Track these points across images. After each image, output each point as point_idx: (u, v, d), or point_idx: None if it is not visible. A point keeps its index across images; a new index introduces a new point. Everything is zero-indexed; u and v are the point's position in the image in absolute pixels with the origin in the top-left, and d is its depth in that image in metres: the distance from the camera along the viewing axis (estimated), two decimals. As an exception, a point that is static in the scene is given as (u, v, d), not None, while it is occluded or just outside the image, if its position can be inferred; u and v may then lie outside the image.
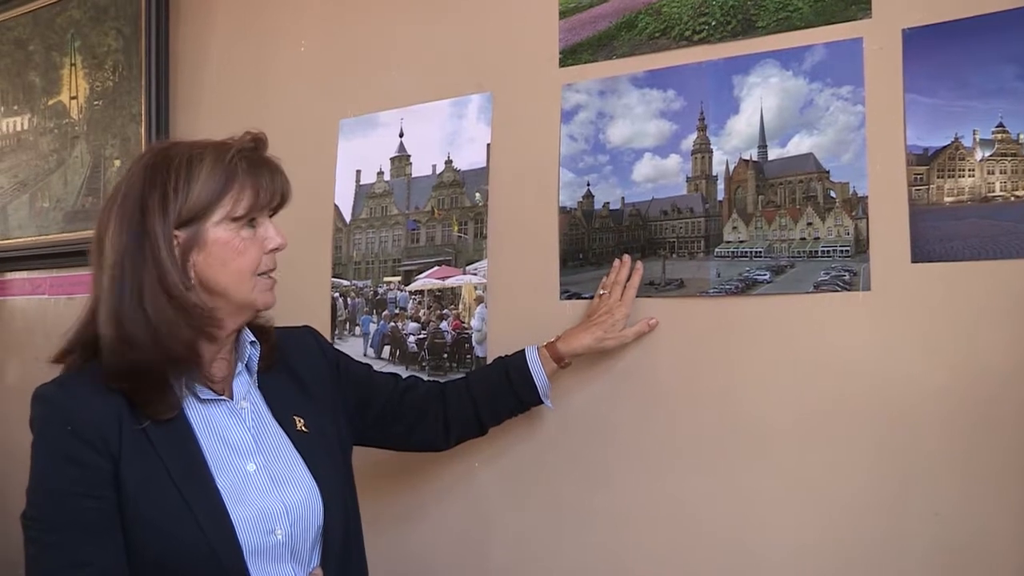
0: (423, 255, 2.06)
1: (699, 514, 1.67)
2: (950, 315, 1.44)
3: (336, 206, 2.21)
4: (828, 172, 1.57)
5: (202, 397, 1.37)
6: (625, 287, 1.71)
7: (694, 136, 1.70)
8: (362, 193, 2.17)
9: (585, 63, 1.83)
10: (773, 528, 1.59)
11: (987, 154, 1.43)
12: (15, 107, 3.11)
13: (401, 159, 2.11)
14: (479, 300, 1.95)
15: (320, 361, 1.59)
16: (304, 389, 1.53)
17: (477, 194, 1.97)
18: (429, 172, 2.06)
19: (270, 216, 1.41)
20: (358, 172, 2.18)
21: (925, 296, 1.46)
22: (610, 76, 1.80)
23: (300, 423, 1.47)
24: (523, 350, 1.70)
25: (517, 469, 1.89)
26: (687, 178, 1.71)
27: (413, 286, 2.07)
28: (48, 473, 1.28)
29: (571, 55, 1.85)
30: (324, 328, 2.15)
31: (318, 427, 1.49)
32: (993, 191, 1.43)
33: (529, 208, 1.89)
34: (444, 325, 2.00)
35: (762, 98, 1.64)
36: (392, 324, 2.09)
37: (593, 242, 1.81)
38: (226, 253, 1.34)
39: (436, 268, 2.04)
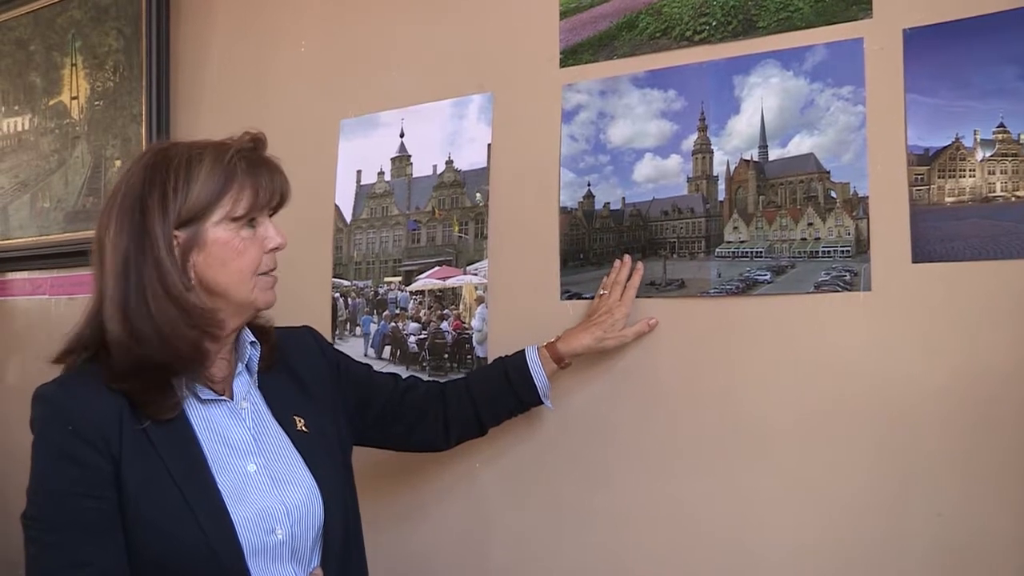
0: (424, 255, 2.06)
1: (699, 514, 1.67)
2: (951, 315, 1.44)
3: (337, 206, 2.21)
4: (829, 172, 1.57)
5: (202, 397, 1.37)
6: (625, 287, 1.71)
7: (695, 136, 1.70)
8: (363, 193, 2.17)
9: (586, 63, 1.83)
10: (773, 528, 1.59)
11: (988, 154, 1.43)
12: (16, 107, 3.11)
13: (402, 159, 2.11)
14: (480, 300, 1.95)
15: (320, 361, 1.59)
16: (304, 389, 1.53)
17: (478, 194, 1.97)
18: (430, 172, 2.06)
19: (270, 216, 1.41)
20: (359, 172, 2.18)
21: (926, 296, 1.46)
22: (611, 76, 1.80)
23: (300, 423, 1.47)
24: (523, 350, 1.70)
25: (517, 469, 1.89)
26: (688, 178, 1.71)
27: (414, 286, 2.07)
28: (48, 473, 1.28)
29: (572, 55, 1.85)
30: (325, 328, 2.15)
31: (318, 427, 1.49)
32: (994, 191, 1.43)
33: (530, 208, 1.89)
34: (445, 325, 2.00)
35: (763, 98, 1.63)
36: (393, 324, 2.09)
37: (594, 242, 1.81)
38: (226, 253, 1.34)
39: (437, 268, 2.03)
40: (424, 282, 2.05)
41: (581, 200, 1.83)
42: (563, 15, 1.86)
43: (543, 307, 1.85)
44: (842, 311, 1.54)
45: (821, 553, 1.55)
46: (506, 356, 1.73)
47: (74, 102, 2.91)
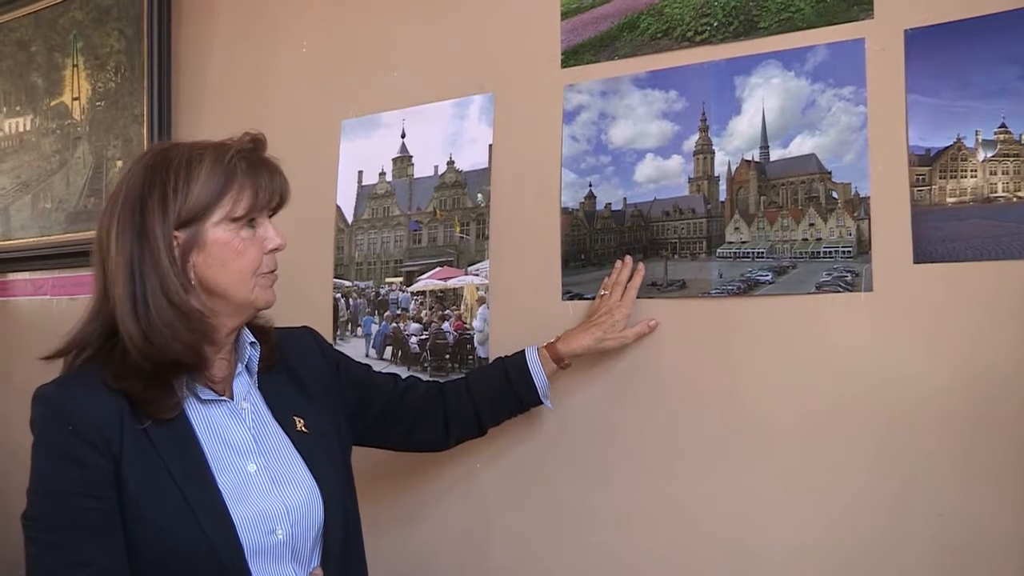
0: (425, 256, 2.06)
1: (700, 514, 1.67)
2: (952, 316, 1.44)
3: (338, 207, 2.21)
4: (830, 173, 1.57)
5: (203, 397, 1.37)
6: (626, 288, 1.71)
7: (696, 137, 1.70)
8: (364, 194, 2.17)
9: (587, 64, 1.83)
10: (774, 528, 1.59)
11: (989, 155, 1.43)
12: (17, 108, 3.11)
13: (403, 160, 2.11)
14: (481, 301, 1.95)
15: (320, 361, 1.60)
16: (304, 389, 1.53)
17: (479, 195, 1.97)
18: (431, 173, 2.06)
19: (270, 216, 1.41)
20: (360, 173, 2.18)
21: (927, 297, 1.46)
22: (612, 77, 1.80)
23: (300, 423, 1.47)
24: (523, 350, 1.70)
25: (517, 470, 1.89)
26: (689, 179, 1.71)
27: (415, 287, 2.07)
28: (48, 473, 1.28)
29: (573, 56, 1.85)
30: (326, 329, 2.15)
31: (318, 427, 1.49)
32: (995, 192, 1.43)
33: (531, 209, 1.89)
34: (446, 326, 2.00)
35: (764, 99, 1.63)
36: (394, 325, 2.09)
37: (595, 243, 1.81)
38: (226, 254, 1.34)
39: (438, 269, 2.03)
40: (425, 283, 2.05)
41: (582, 201, 1.83)
42: (564, 15, 1.86)
43: (544, 308, 1.85)
44: (843, 311, 1.53)
45: (822, 553, 1.55)
46: (506, 356, 1.73)
47: (75, 103, 2.91)
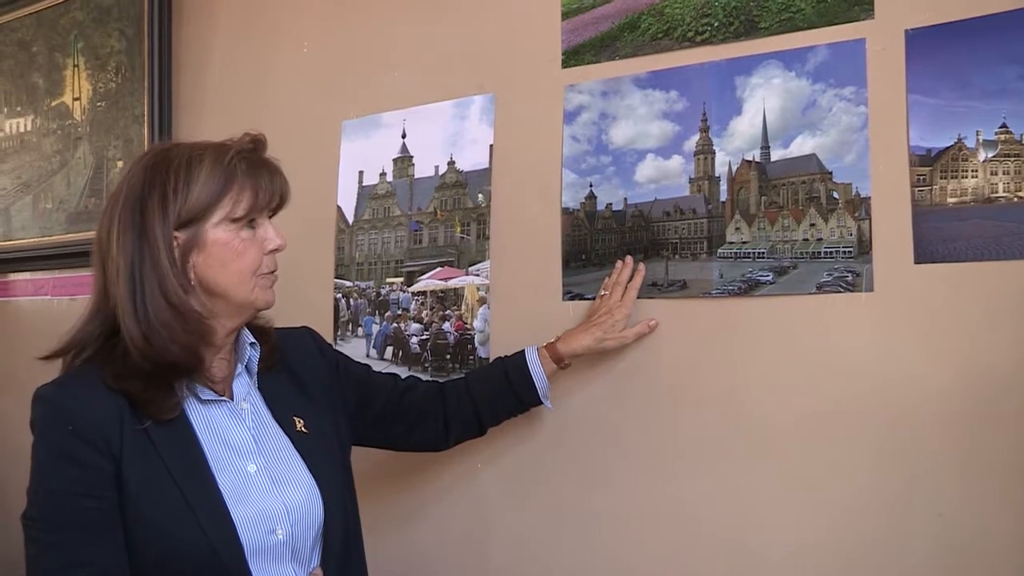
0: (426, 256, 2.06)
1: (700, 514, 1.67)
2: (953, 316, 1.44)
3: (339, 207, 2.21)
4: (831, 173, 1.57)
5: (203, 398, 1.37)
6: (626, 288, 1.71)
7: (697, 137, 1.70)
8: (365, 194, 2.17)
9: (588, 64, 1.83)
10: (774, 528, 1.59)
11: (990, 155, 1.43)
12: (18, 108, 3.11)
13: (404, 160, 2.11)
14: (482, 301, 1.95)
15: (319, 362, 1.60)
16: (304, 390, 1.53)
17: (480, 195, 1.97)
18: (432, 173, 2.06)
19: (270, 217, 1.41)
20: (360, 173, 2.18)
21: (928, 297, 1.46)
22: (613, 77, 1.80)
23: (300, 424, 1.47)
24: (523, 350, 1.70)
25: (518, 470, 1.89)
26: (690, 179, 1.71)
27: (416, 287, 2.07)
28: (48, 473, 1.29)
29: (574, 56, 1.85)
30: (327, 329, 2.15)
31: (317, 428, 1.49)
32: (996, 192, 1.43)
33: (532, 209, 1.89)
34: (447, 326, 2.00)
35: (765, 99, 1.63)
36: (395, 325, 2.09)
37: (596, 243, 1.81)
38: (226, 254, 1.34)
39: (439, 269, 2.03)
40: (426, 283, 2.05)
41: (583, 201, 1.83)
42: (565, 16, 1.86)
43: (545, 308, 1.85)
44: (844, 312, 1.53)
45: (823, 553, 1.55)
46: (506, 356, 1.73)
47: (76, 103, 2.91)
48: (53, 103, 2.99)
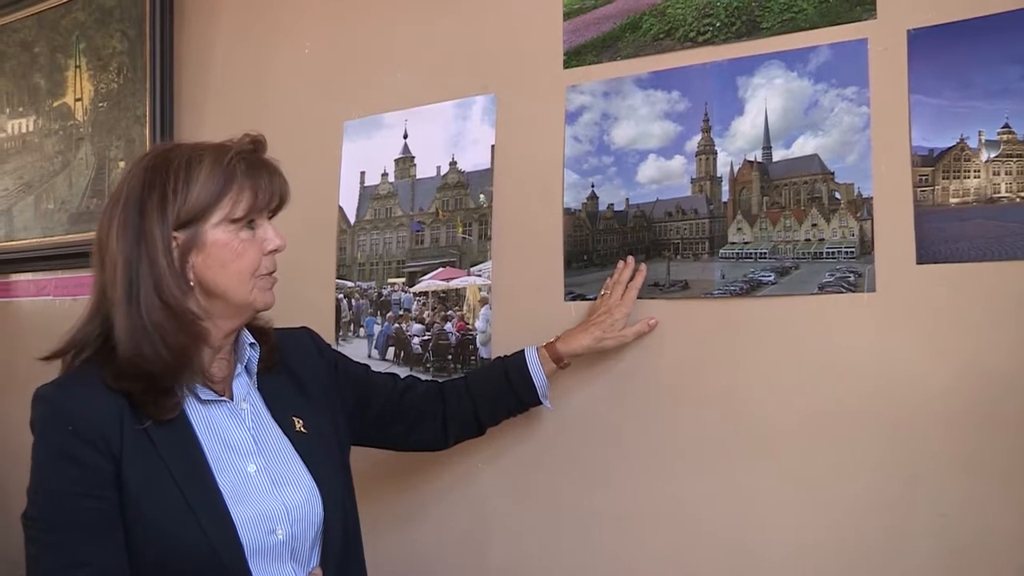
0: (427, 256, 2.06)
1: (700, 514, 1.67)
2: (955, 316, 1.44)
3: (340, 208, 2.21)
4: (833, 173, 1.57)
5: (203, 398, 1.37)
6: (627, 288, 1.71)
7: (698, 137, 1.70)
8: (366, 195, 2.17)
9: (589, 64, 1.83)
10: (775, 529, 1.59)
11: (993, 155, 1.43)
12: (20, 109, 3.11)
13: (405, 160, 2.11)
14: (483, 301, 1.95)
15: (318, 362, 1.60)
16: (303, 390, 1.53)
17: (481, 195, 1.97)
18: (433, 173, 2.06)
19: (269, 218, 1.41)
20: (362, 174, 2.18)
21: (930, 297, 1.46)
22: (614, 77, 1.80)
23: (299, 424, 1.47)
24: (522, 350, 1.70)
25: (518, 470, 1.89)
26: (691, 179, 1.71)
27: (417, 287, 2.07)
28: (48, 473, 1.29)
29: (575, 56, 1.85)
30: (329, 329, 2.15)
31: (317, 428, 1.49)
32: (999, 192, 1.42)
33: (533, 209, 1.89)
34: (448, 327, 2.00)
35: (767, 99, 1.63)
36: (396, 326, 2.09)
37: (597, 243, 1.81)
38: (225, 255, 1.35)
39: (440, 269, 2.03)
40: (428, 283, 2.05)
41: (585, 201, 1.83)
42: (567, 16, 1.86)
43: (547, 308, 1.85)
44: (846, 312, 1.53)
45: (824, 554, 1.54)
46: (505, 356, 1.73)
47: (78, 104, 2.91)
48: (55, 104, 2.99)
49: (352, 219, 2.19)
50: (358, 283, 2.17)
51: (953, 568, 1.43)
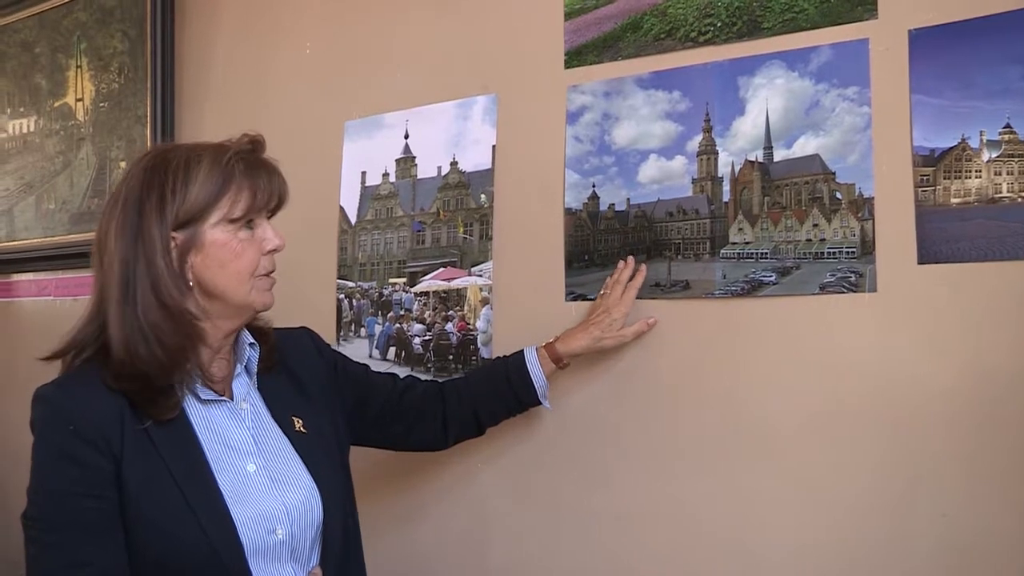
0: (428, 257, 2.06)
1: (700, 514, 1.67)
2: (956, 316, 1.44)
3: (341, 208, 2.21)
4: (834, 173, 1.56)
5: (203, 398, 1.37)
6: (626, 287, 1.71)
7: (700, 137, 1.70)
8: (367, 195, 2.17)
9: (590, 64, 1.83)
10: (776, 529, 1.59)
11: (994, 155, 1.43)
12: (21, 109, 3.11)
13: (406, 161, 2.11)
14: (484, 302, 1.95)
15: (317, 362, 1.60)
16: (302, 390, 1.53)
17: (482, 195, 1.97)
18: (434, 174, 2.06)
19: (268, 218, 1.41)
20: (363, 174, 2.18)
21: (931, 297, 1.46)
22: (615, 77, 1.80)
23: (299, 424, 1.47)
24: (522, 350, 1.70)
25: (518, 470, 1.89)
26: (692, 179, 1.71)
27: (418, 287, 2.07)
28: (48, 473, 1.29)
29: (576, 56, 1.85)
30: (330, 330, 2.15)
31: (316, 428, 1.49)
32: (1000, 192, 1.42)
33: (534, 209, 1.89)
34: (449, 327, 2.00)
35: (768, 99, 1.63)
36: (397, 326, 2.09)
37: (598, 243, 1.81)
38: (224, 255, 1.35)
39: (441, 270, 2.03)
40: (429, 283, 2.05)
41: (586, 201, 1.82)
42: (568, 16, 1.86)
43: (548, 308, 1.85)
44: (847, 312, 1.53)
45: (825, 554, 1.54)
46: (505, 356, 1.73)
47: (79, 104, 2.91)
48: (56, 104, 2.99)
49: (353, 219, 2.19)
50: (359, 283, 2.17)
51: (955, 568, 1.43)
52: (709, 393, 1.66)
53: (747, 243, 1.65)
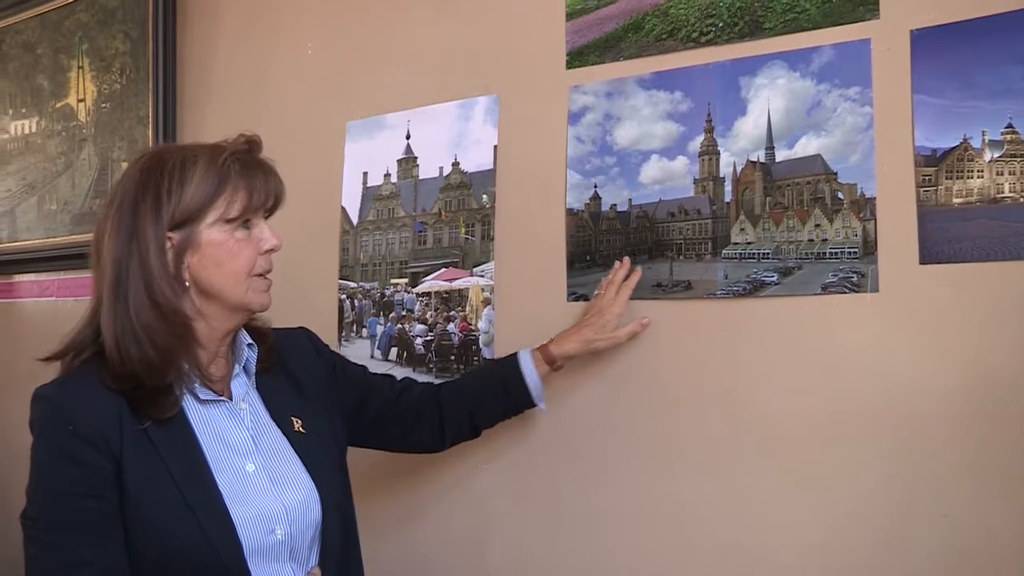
0: (430, 257, 2.06)
1: (701, 514, 1.66)
2: (958, 316, 1.44)
3: (343, 208, 2.21)
4: (836, 173, 1.56)
5: (202, 398, 1.37)
6: (620, 288, 1.71)
7: (701, 138, 1.70)
8: (369, 195, 2.17)
9: (592, 65, 1.83)
10: (777, 529, 1.59)
11: (996, 155, 1.42)
12: (23, 110, 3.11)
13: (408, 161, 2.11)
14: (486, 302, 1.95)
15: (316, 362, 1.60)
16: (301, 390, 1.53)
17: (484, 196, 1.97)
18: (436, 174, 2.06)
19: (266, 218, 1.41)
20: (365, 174, 2.18)
21: (933, 297, 1.45)
22: (617, 78, 1.80)
23: (297, 424, 1.47)
24: (517, 352, 1.70)
25: (518, 470, 1.89)
26: (694, 180, 1.71)
27: (420, 288, 2.07)
28: (48, 473, 1.29)
29: (578, 57, 1.85)
30: (331, 330, 2.15)
31: (315, 428, 1.49)
32: (1002, 192, 1.42)
33: (536, 210, 1.89)
34: (451, 327, 2.00)
35: (769, 99, 1.63)
36: (399, 326, 2.09)
37: (600, 244, 1.80)
38: (220, 254, 1.35)
39: (443, 270, 2.03)
40: (430, 284, 2.05)
41: (587, 202, 1.82)
42: (569, 17, 1.86)
43: (549, 309, 1.84)
44: (849, 312, 1.53)
45: (826, 554, 1.54)
46: (501, 358, 1.73)
47: (81, 104, 2.91)
48: (58, 105, 3.00)
49: (355, 220, 2.19)
50: (361, 284, 2.17)
51: (956, 569, 1.43)
52: (711, 393, 1.66)
53: (749, 243, 1.64)
